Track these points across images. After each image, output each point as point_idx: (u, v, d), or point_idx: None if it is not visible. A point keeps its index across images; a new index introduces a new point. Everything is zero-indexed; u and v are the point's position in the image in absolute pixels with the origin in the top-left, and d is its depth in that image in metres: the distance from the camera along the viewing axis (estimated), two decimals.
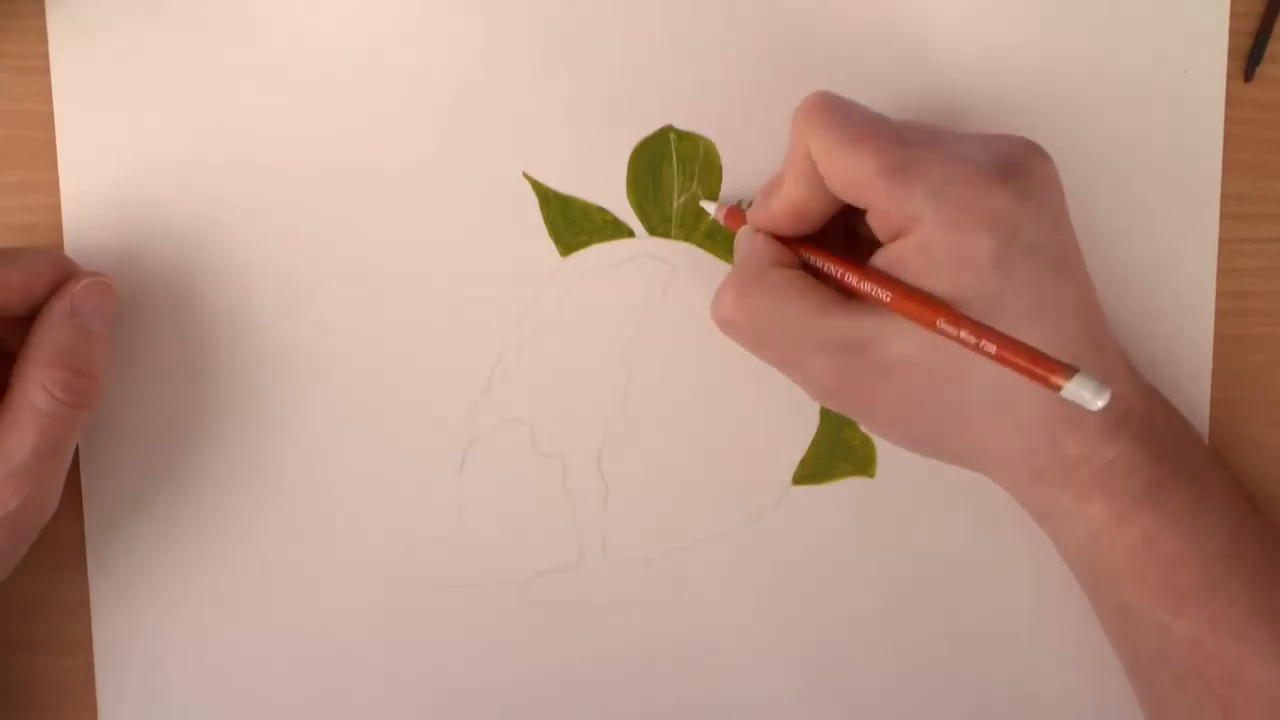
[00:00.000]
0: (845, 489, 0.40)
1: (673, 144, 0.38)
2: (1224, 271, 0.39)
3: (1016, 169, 0.32)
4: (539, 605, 0.40)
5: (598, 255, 0.39)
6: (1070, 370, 0.28)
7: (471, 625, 0.40)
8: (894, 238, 0.32)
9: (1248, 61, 0.39)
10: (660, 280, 0.39)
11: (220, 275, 0.38)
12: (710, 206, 0.38)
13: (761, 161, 0.38)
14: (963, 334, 0.30)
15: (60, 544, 0.39)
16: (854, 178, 0.32)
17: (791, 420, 0.39)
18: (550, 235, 0.38)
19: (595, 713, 0.40)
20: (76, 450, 0.38)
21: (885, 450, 0.39)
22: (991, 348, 0.30)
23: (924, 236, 0.31)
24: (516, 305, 0.39)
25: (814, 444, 0.39)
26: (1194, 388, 0.39)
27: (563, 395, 0.39)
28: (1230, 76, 0.39)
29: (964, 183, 0.31)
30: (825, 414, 0.39)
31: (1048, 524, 0.36)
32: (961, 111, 0.38)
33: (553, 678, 0.40)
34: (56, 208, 0.38)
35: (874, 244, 0.34)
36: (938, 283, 0.31)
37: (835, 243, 0.36)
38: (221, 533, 0.39)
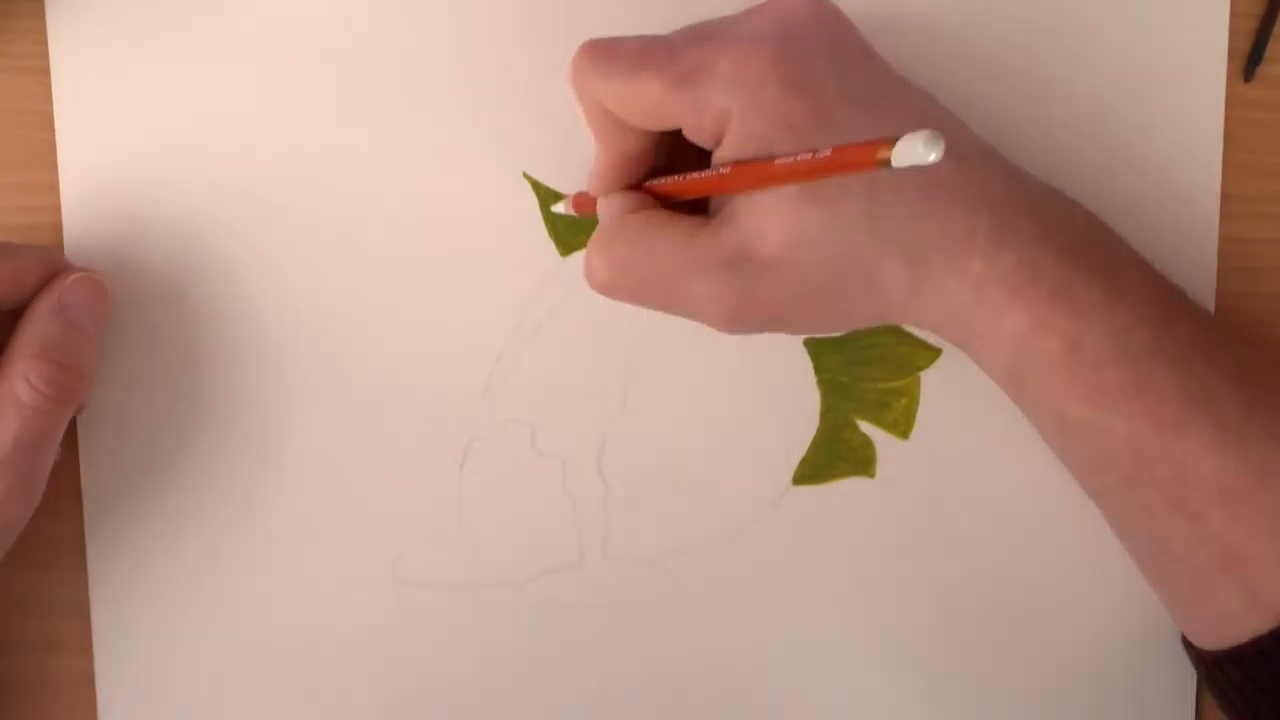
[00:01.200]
0: (845, 489, 0.40)
1: None
2: (1224, 271, 0.39)
3: (799, 27, 0.32)
4: (539, 605, 0.40)
5: None
6: (891, 140, 0.25)
7: (471, 625, 0.40)
8: (718, 143, 0.32)
9: (1248, 61, 0.39)
10: None
11: (220, 276, 0.38)
12: (561, 206, 0.38)
13: None
14: (798, 165, 0.29)
15: (60, 544, 0.39)
16: (647, 105, 0.32)
17: (791, 420, 0.39)
18: (550, 235, 0.38)
19: (595, 713, 0.40)
20: (76, 450, 0.38)
21: (885, 450, 0.39)
22: (828, 158, 0.28)
23: (740, 127, 0.31)
24: (516, 305, 0.39)
25: (814, 444, 0.39)
26: None
27: (563, 395, 0.39)
28: (1230, 76, 0.39)
29: (753, 61, 0.31)
30: (825, 414, 0.39)
31: (971, 349, 0.35)
32: (960, 112, 0.38)
33: (553, 678, 0.40)
34: (56, 208, 0.38)
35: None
36: (767, 143, 0.31)
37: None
38: (221, 533, 0.39)
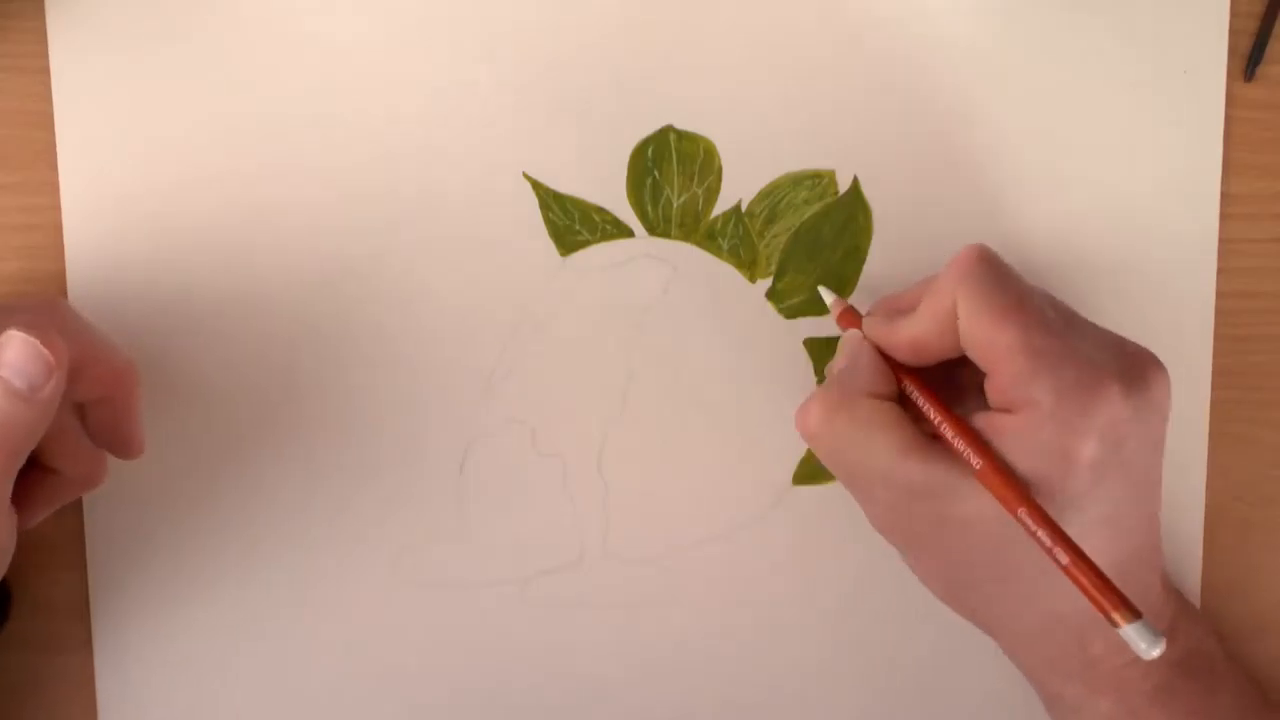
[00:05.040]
0: (845, 489, 0.39)
1: (673, 144, 0.38)
2: (1224, 271, 0.39)
3: (1140, 383, 0.32)
4: (539, 605, 0.40)
5: (598, 255, 0.39)
6: (1135, 613, 0.29)
7: (471, 625, 0.40)
8: (1003, 408, 0.32)
9: (1248, 61, 0.39)
10: (660, 280, 0.39)
11: (219, 276, 0.38)
12: (828, 296, 0.38)
13: (762, 162, 0.38)
14: (1039, 533, 0.30)
15: (60, 544, 0.39)
16: (992, 347, 0.32)
17: (791, 420, 0.39)
18: (550, 235, 0.38)
19: (595, 712, 0.40)
20: None
21: None
22: (1064, 559, 0.30)
23: (1033, 421, 0.31)
24: (516, 305, 0.39)
25: None
26: (1194, 388, 0.40)
27: (563, 395, 0.39)
28: (1230, 76, 0.39)
29: (1090, 389, 0.31)
30: None
31: (1055, 710, 0.37)
32: (961, 112, 0.38)
33: (553, 677, 0.40)
34: (56, 208, 0.38)
35: (966, 387, 0.35)
36: (1028, 464, 0.32)
37: (931, 372, 0.35)
38: (221, 533, 0.39)
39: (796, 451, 0.40)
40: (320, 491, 0.39)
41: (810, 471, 0.40)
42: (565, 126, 0.38)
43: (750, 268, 0.39)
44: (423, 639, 0.40)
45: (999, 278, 0.33)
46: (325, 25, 0.38)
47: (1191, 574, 0.40)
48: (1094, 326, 0.34)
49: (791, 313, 0.39)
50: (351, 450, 0.39)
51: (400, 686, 0.40)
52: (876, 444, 0.33)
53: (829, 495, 0.40)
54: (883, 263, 0.39)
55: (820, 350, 0.39)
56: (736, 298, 0.39)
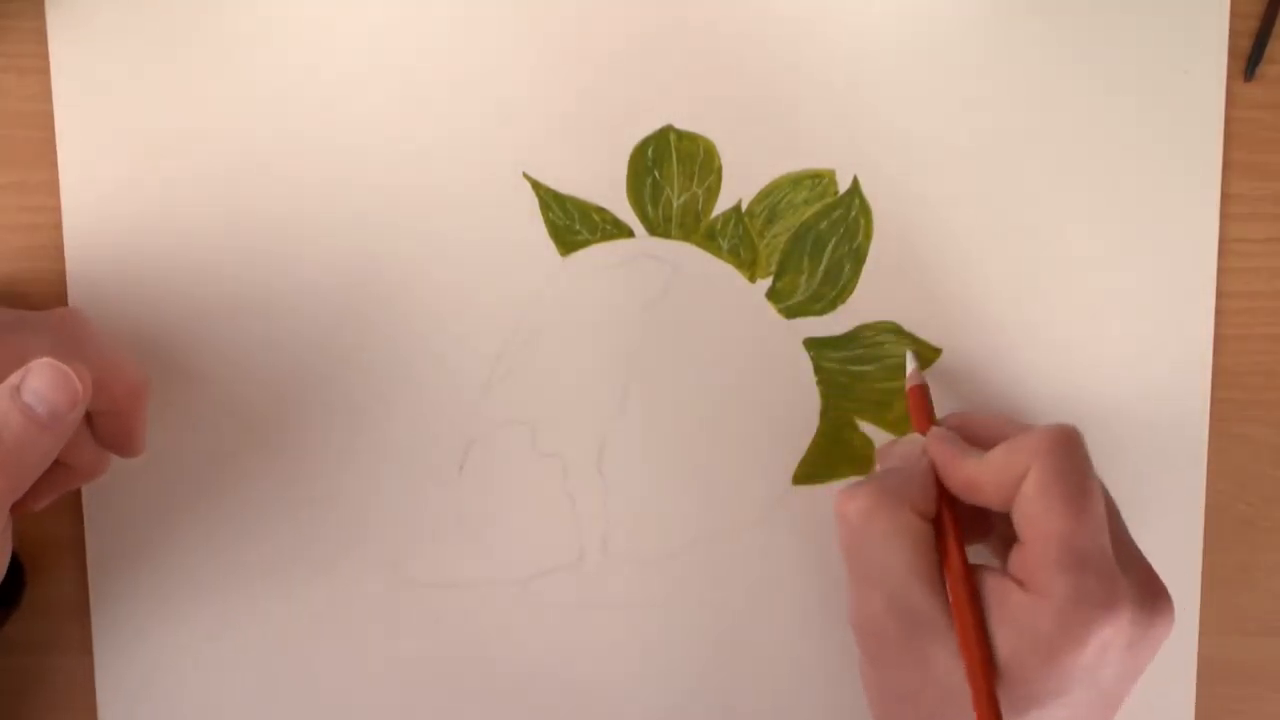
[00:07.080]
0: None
1: (673, 144, 0.38)
2: (1224, 271, 0.39)
3: (1150, 615, 0.32)
4: (539, 605, 0.40)
5: (598, 255, 0.39)
6: None
7: (471, 625, 0.40)
8: (1018, 578, 0.33)
9: (1248, 61, 0.39)
10: (660, 280, 0.39)
11: (218, 276, 0.38)
12: (911, 363, 0.38)
13: (762, 162, 0.38)
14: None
15: (60, 544, 0.39)
16: (1039, 525, 0.32)
17: (791, 420, 0.39)
18: (550, 235, 0.38)
19: (595, 713, 0.40)
20: None
21: None
22: None
23: (1040, 609, 0.32)
24: (516, 305, 0.39)
25: (814, 444, 0.39)
26: (1194, 388, 0.40)
27: (563, 395, 0.39)
28: (1230, 76, 0.39)
29: (1105, 605, 0.32)
30: (825, 414, 0.39)
31: None
32: (960, 112, 0.38)
33: (552, 677, 0.40)
34: (56, 208, 0.38)
35: (993, 530, 0.36)
36: (1015, 643, 0.32)
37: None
38: (221, 533, 0.39)
39: (796, 451, 0.40)
40: (320, 491, 0.39)
41: (810, 471, 0.40)
42: (565, 126, 0.38)
43: (750, 268, 0.39)
44: (422, 639, 0.40)
45: (1077, 466, 0.33)
46: (325, 26, 0.38)
47: (1191, 574, 0.40)
48: (1131, 545, 0.34)
49: (791, 313, 0.39)
50: (351, 450, 0.39)
51: (400, 686, 0.40)
52: (899, 553, 0.33)
53: (829, 495, 0.39)
54: (883, 263, 0.39)
55: (820, 350, 0.39)
56: (736, 298, 0.39)
